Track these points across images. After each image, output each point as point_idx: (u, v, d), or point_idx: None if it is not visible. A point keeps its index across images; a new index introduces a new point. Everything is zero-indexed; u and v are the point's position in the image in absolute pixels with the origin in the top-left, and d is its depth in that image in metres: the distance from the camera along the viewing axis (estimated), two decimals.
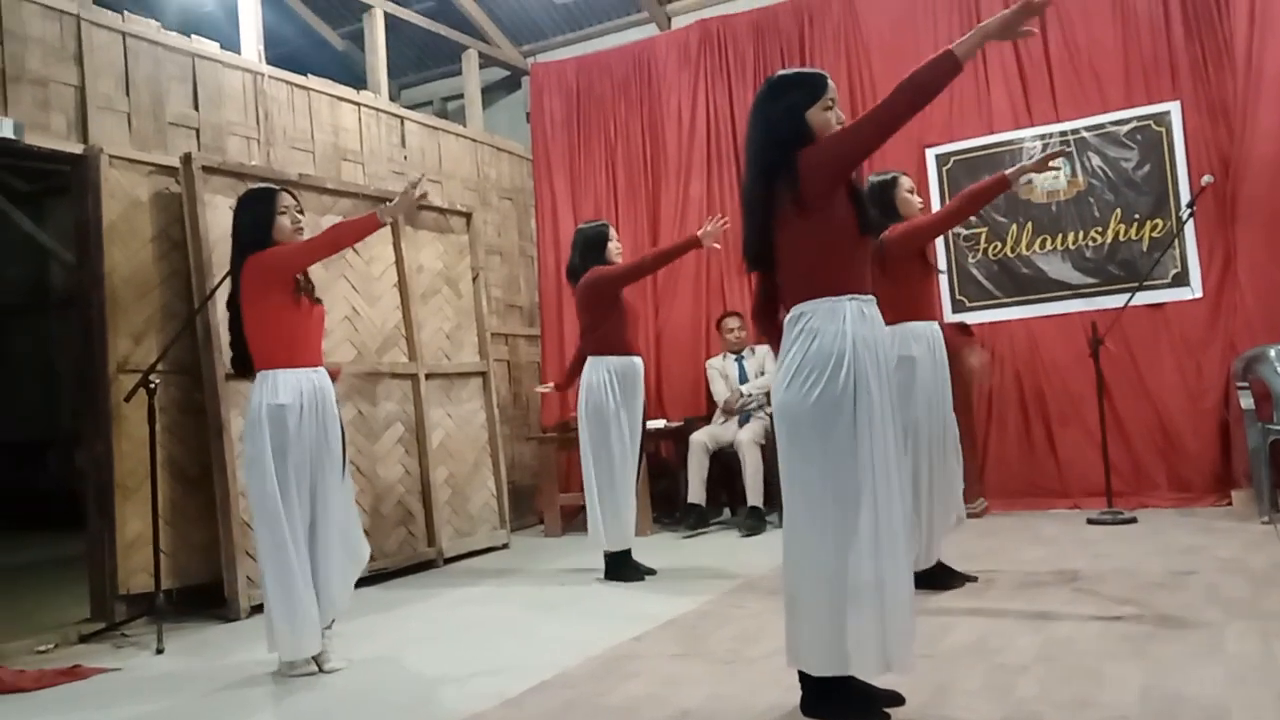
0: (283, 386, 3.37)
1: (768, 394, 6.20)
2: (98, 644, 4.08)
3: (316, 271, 5.15)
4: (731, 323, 6.47)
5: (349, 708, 2.95)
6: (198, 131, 5.21)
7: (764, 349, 6.43)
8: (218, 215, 4.79)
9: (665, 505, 6.63)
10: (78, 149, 4.56)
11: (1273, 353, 5.27)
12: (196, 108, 5.23)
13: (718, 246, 5.01)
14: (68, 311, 7.94)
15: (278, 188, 3.57)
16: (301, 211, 3.56)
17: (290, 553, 3.27)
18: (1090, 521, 5.15)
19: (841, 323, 2.38)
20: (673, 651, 3.25)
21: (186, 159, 4.73)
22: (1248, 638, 2.90)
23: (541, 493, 6.78)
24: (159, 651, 3.80)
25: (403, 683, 3.15)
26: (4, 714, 3.13)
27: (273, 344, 3.43)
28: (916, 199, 4.14)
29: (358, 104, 6.30)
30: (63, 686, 3.42)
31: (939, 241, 6.32)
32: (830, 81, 2.57)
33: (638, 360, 4.85)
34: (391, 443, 5.48)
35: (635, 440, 4.77)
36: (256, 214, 3.49)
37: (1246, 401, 5.16)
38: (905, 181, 4.13)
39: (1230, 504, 5.38)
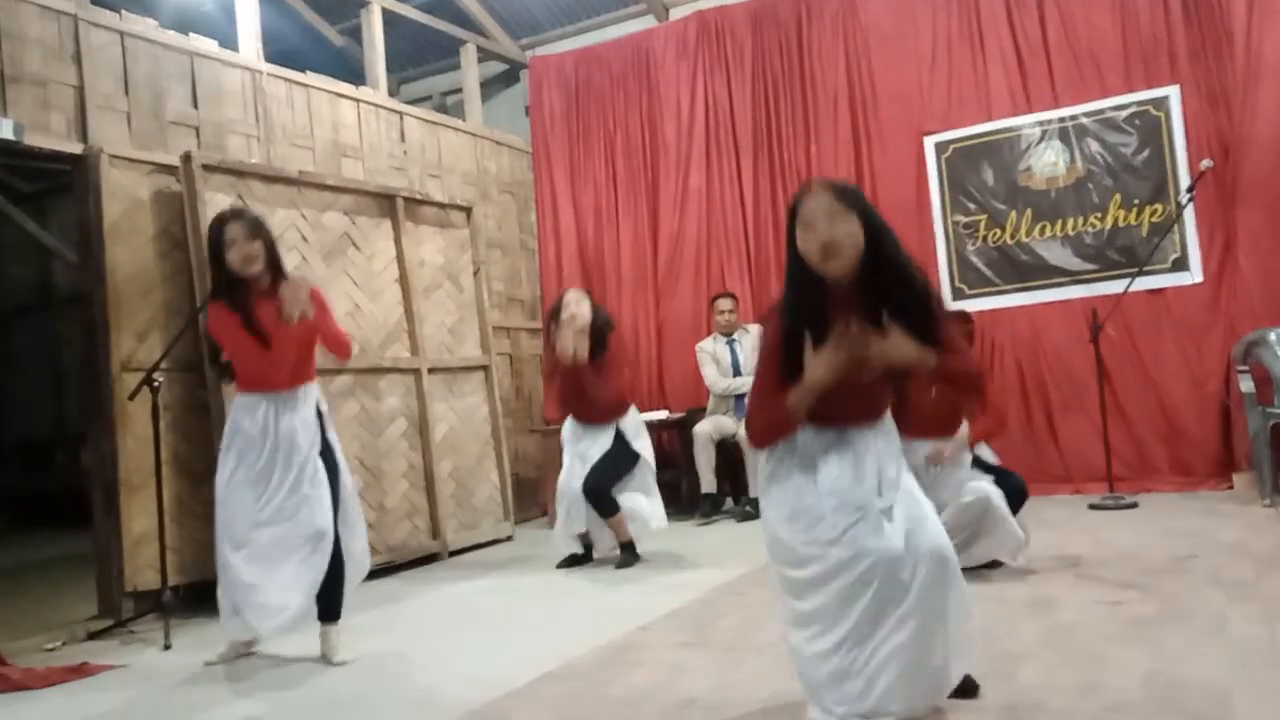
0: (240, 409, 3.54)
1: None
2: (105, 641, 4.10)
3: (316, 268, 5.19)
4: (724, 304, 6.39)
5: (356, 700, 2.97)
6: (197, 130, 5.22)
7: (756, 330, 6.41)
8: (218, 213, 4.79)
9: (669, 495, 6.63)
10: (78, 149, 4.56)
11: (1273, 336, 5.27)
12: (196, 106, 5.23)
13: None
14: (72, 310, 7.96)
15: (229, 217, 3.54)
16: (255, 238, 3.46)
17: (224, 548, 3.46)
18: (1092, 506, 5.16)
19: None
20: (678, 641, 3.26)
21: (186, 157, 4.74)
22: (1250, 621, 2.91)
23: (545, 485, 6.80)
24: (166, 648, 3.81)
25: (409, 675, 3.17)
26: (13, 711, 3.15)
27: (234, 371, 3.60)
28: None
29: (357, 100, 6.30)
30: (71, 683, 3.44)
31: (938, 228, 6.33)
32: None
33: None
34: (395, 437, 5.50)
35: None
36: (211, 247, 3.54)
37: (1247, 385, 5.17)
38: None
39: (1232, 487, 5.39)
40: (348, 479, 3.67)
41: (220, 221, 3.53)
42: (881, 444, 2.28)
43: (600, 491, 4.77)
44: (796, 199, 2.23)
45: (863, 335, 2.12)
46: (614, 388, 4.87)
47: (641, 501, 4.88)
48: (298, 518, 3.43)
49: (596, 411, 4.87)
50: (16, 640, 4.04)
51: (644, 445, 4.97)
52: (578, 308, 4.79)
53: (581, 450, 4.88)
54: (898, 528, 2.17)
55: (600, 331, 4.83)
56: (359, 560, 3.65)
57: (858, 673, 2.14)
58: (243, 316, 3.46)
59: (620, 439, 4.87)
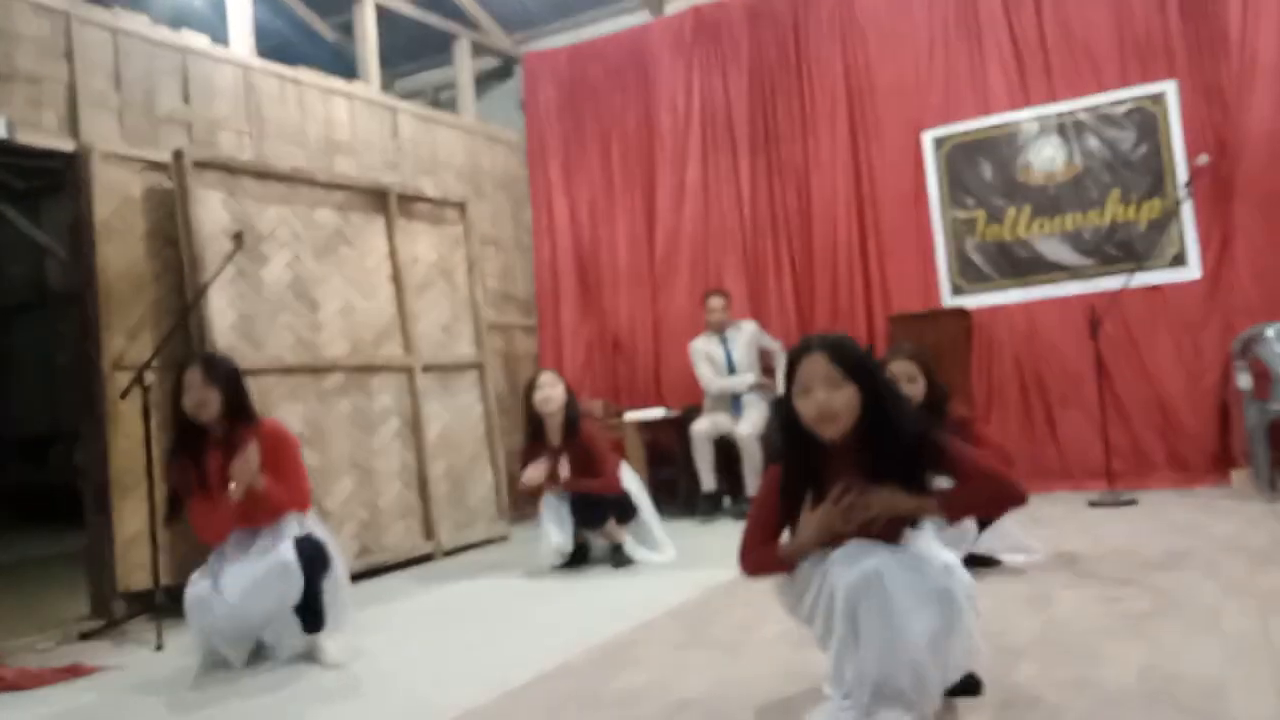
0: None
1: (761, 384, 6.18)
2: (98, 641, 4.08)
3: (309, 265, 5.17)
4: (715, 301, 6.31)
5: (349, 701, 2.95)
6: (189, 127, 5.19)
7: (750, 325, 6.36)
8: (210, 211, 4.78)
9: (667, 494, 6.63)
10: (69, 146, 4.54)
11: (1270, 332, 5.26)
12: (188, 103, 5.21)
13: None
14: (66, 308, 7.93)
15: (190, 361, 3.49)
16: (209, 385, 3.40)
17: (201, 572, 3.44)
18: (1091, 504, 5.15)
19: None
20: (675, 640, 3.24)
21: (178, 155, 4.71)
22: (1245, 616, 2.90)
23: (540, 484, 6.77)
24: (159, 648, 3.79)
25: (403, 676, 3.15)
26: (4, 712, 3.13)
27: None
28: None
29: (349, 95, 6.27)
30: (63, 684, 3.42)
31: (936, 224, 6.32)
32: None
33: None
34: (389, 436, 5.47)
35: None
36: (173, 390, 3.52)
37: (1245, 381, 5.16)
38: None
39: (1229, 483, 5.38)
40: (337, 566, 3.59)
41: (183, 363, 3.50)
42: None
43: (587, 505, 4.74)
44: (794, 356, 2.25)
45: (858, 500, 2.18)
46: (605, 479, 4.77)
47: (645, 553, 4.84)
48: (264, 558, 3.39)
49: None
50: (9, 640, 4.03)
51: (638, 491, 4.94)
52: (552, 390, 4.78)
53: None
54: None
55: (571, 419, 4.79)
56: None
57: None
58: (193, 466, 3.46)
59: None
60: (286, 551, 3.35)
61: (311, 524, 3.58)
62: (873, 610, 2.12)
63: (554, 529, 4.77)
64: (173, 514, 3.59)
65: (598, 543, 4.89)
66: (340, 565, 3.59)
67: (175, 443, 3.55)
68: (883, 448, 2.20)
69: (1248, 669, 2.39)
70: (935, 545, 2.28)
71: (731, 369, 6.25)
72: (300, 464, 3.55)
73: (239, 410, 3.47)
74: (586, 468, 4.75)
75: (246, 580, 3.34)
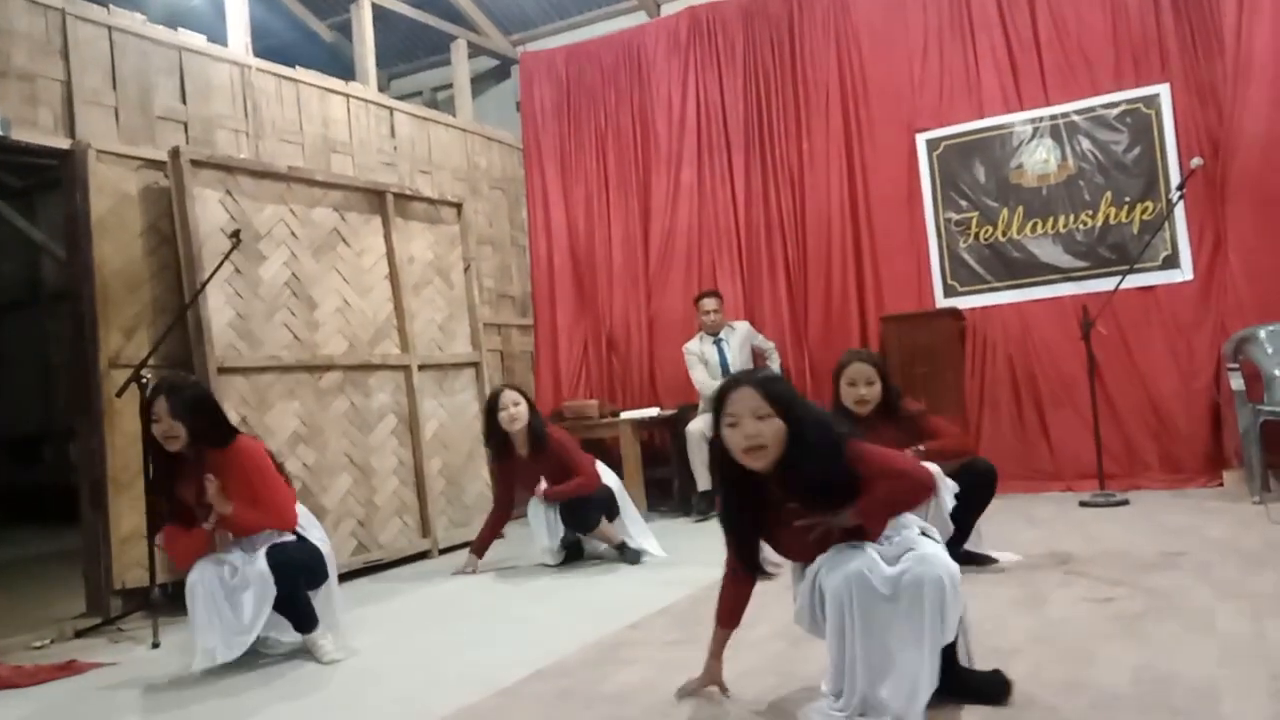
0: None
1: None
2: (93, 639, 4.09)
3: (306, 264, 5.17)
4: (708, 303, 6.32)
5: (344, 698, 2.96)
6: (186, 125, 5.19)
7: (743, 326, 6.38)
8: (207, 209, 4.78)
9: (661, 493, 6.65)
10: (65, 144, 4.54)
11: (1263, 333, 5.29)
12: (184, 101, 5.21)
13: None
14: (60, 306, 7.93)
15: (156, 393, 3.46)
16: (176, 416, 3.38)
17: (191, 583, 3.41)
18: (1083, 504, 5.17)
19: None
20: (668, 638, 3.26)
21: (175, 153, 4.71)
22: (1238, 617, 2.92)
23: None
24: (155, 646, 3.80)
25: (398, 673, 3.16)
26: (1, 710, 3.13)
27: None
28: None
29: (346, 95, 6.28)
30: (59, 682, 3.42)
31: (930, 226, 6.34)
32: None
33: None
34: (385, 434, 5.48)
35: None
36: (143, 417, 3.52)
37: (1237, 382, 5.18)
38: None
39: (1221, 484, 5.41)
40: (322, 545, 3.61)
41: (152, 394, 3.49)
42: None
43: (575, 510, 4.76)
44: (723, 391, 2.35)
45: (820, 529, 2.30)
46: (583, 478, 4.78)
47: (652, 543, 4.86)
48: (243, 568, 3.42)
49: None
50: (5, 638, 4.03)
51: (618, 489, 4.96)
52: (515, 409, 4.78)
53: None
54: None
55: (536, 434, 4.80)
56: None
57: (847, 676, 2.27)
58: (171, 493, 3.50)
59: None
60: (260, 561, 3.38)
61: (306, 525, 3.59)
62: (857, 613, 2.19)
63: (543, 533, 4.78)
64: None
65: (599, 547, 4.90)
66: (331, 565, 3.60)
67: (154, 470, 3.57)
68: (806, 474, 2.28)
69: (1241, 670, 2.41)
70: (919, 538, 2.33)
71: (726, 370, 6.25)
72: (275, 482, 3.52)
73: (207, 437, 3.44)
74: (562, 473, 4.77)
75: (230, 586, 3.38)
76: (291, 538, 3.50)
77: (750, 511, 2.42)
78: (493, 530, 5.01)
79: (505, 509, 5.03)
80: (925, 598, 2.17)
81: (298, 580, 3.44)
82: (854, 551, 2.27)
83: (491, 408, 4.83)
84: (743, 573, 2.56)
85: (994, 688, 2.34)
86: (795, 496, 2.32)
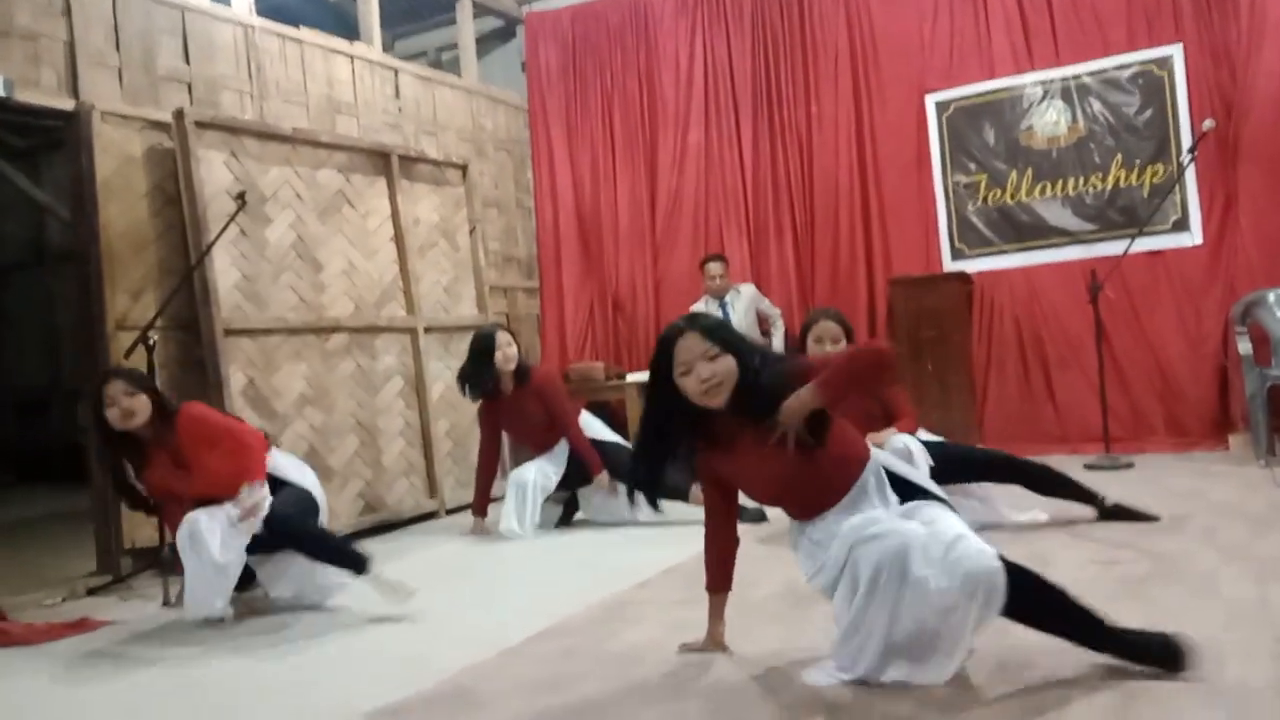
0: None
1: None
2: (104, 597, 4.12)
3: (311, 226, 5.16)
4: (714, 268, 6.27)
5: (350, 657, 2.98)
6: (189, 86, 5.16)
7: (749, 290, 6.34)
8: (212, 170, 4.76)
9: None
10: (69, 105, 4.51)
11: (1272, 297, 5.26)
12: (188, 62, 5.17)
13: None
14: (65, 268, 7.93)
15: (105, 378, 3.48)
16: (134, 392, 3.42)
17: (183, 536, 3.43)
18: (1087, 467, 5.17)
19: None
20: (675, 598, 3.28)
21: (179, 114, 4.69)
22: (1243, 580, 2.93)
23: None
24: (165, 604, 3.83)
25: (404, 632, 3.18)
26: (14, 666, 3.17)
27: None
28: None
29: (351, 56, 6.22)
30: (71, 639, 3.46)
31: (938, 188, 6.30)
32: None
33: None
34: (392, 396, 5.50)
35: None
36: (92, 406, 3.49)
37: (1245, 346, 5.17)
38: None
39: (1227, 448, 5.41)
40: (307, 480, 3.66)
41: (95, 386, 3.49)
42: (848, 519, 2.34)
43: (577, 466, 4.78)
44: (667, 341, 2.39)
45: (783, 432, 2.32)
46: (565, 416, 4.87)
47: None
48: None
49: (548, 429, 4.85)
50: (15, 596, 4.07)
51: (613, 436, 4.99)
52: (509, 349, 4.83)
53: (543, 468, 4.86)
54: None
55: (521, 369, 4.87)
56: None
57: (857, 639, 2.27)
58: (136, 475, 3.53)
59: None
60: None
61: (298, 472, 3.64)
62: (893, 579, 2.18)
63: (513, 516, 4.75)
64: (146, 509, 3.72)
65: (595, 503, 4.90)
66: (322, 508, 3.69)
67: (112, 459, 3.57)
68: (761, 392, 2.34)
69: (1245, 634, 2.42)
70: (958, 522, 2.30)
71: None
72: (232, 428, 3.57)
73: (164, 407, 3.50)
74: (543, 412, 4.81)
75: (221, 537, 3.41)
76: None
77: (672, 443, 2.49)
78: (486, 485, 5.02)
79: (493, 455, 5.05)
80: (978, 591, 2.13)
81: (304, 522, 3.49)
82: (897, 524, 2.26)
83: (488, 348, 4.82)
84: (719, 519, 2.64)
85: (1167, 651, 2.16)
86: (751, 421, 2.36)
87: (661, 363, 2.39)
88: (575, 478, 4.85)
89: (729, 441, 2.44)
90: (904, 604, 2.17)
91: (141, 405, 3.43)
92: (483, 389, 4.90)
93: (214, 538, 3.38)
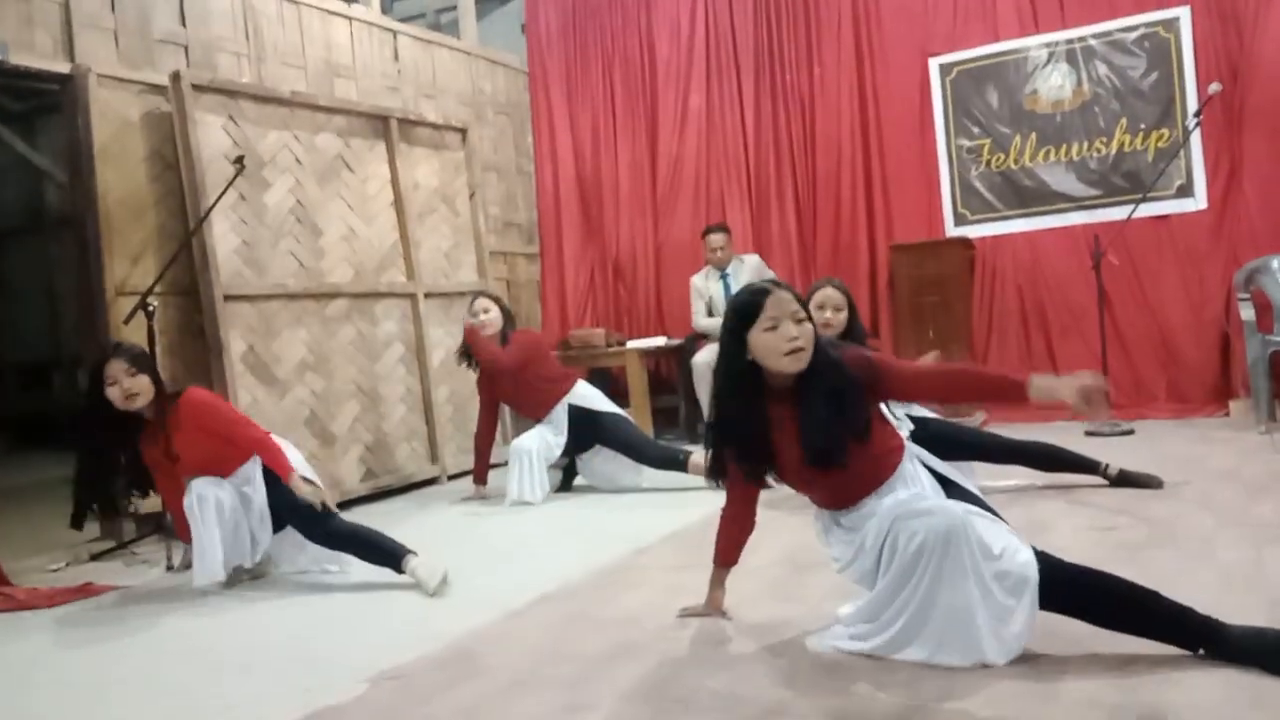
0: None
1: None
2: (108, 562, 4.15)
3: (311, 191, 5.13)
4: (715, 239, 6.17)
5: (353, 621, 3.01)
6: (186, 49, 5.12)
7: (753, 260, 6.27)
8: (210, 134, 4.73)
9: (667, 422, 6.68)
10: (65, 68, 4.47)
11: (1275, 264, 5.24)
12: (184, 24, 5.12)
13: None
14: (64, 233, 7.90)
15: (105, 353, 3.44)
16: (135, 372, 3.38)
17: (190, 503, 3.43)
18: (1088, 433, 5.18)
19: None
20: (674, 563, 3.30)
21: (175, 77, 4.65)
22: (1240, 545, 2.94)
23: None
24: (170, 569, 3.86)
25: (407, 596, 3.20)
26: (19, 630, 3.20)
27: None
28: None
29: (349, 18, 6.17)
30: (75, 603, 3.49)
31: (941, 153, 6.26)
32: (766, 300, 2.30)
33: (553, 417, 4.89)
34: (393, 361, 5.50)
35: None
36: (88, 388, 3.45)
37: (1247, 313, 5.16)
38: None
39: (1228, 414, 5.41)
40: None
41: (98, 363, 3.45)
42: (884, 501, 2.29)
43: (580, 431, 4.79)
44: (760, 292, 2.30)
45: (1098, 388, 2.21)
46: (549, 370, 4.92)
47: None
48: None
49: (540, 394, 4.86)
50: (19, 561, 4.09)
51: (612, 407, 4.98)
52: (487, 316, 4.83)
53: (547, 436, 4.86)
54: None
55: (503, 334, 4.87)
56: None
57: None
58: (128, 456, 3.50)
59: (580, 411, 4.84)
60: (259, 495, 3.48)
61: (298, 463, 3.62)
62: (936, 557, 2.12)
63: (521, 485, 4.73)
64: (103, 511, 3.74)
65: (597, 469, 4.91)
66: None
67: (110, 438, 3.52)
68: (829, 377, 2.26)
69: (1241, 598, 2.43)
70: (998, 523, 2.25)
71: None
72: (237, 418, 3.57)
73: (163, 389, 3.48)
74: (529, 369, 4.83)
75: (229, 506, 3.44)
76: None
77: (761, 421, 2.36)
78: (486, 452, 5.06)
79: (491, 423, 5.08)
80: (1027, 590, 2.12)
81: (355, 529, 3.49)
82: (942, 501, 2.23)
83: (470, 317, 4.90)
84: (741, 500, 2.58)
85: (1274, 653, 2.00)
86: (805, 405, 2.28)
87: (743, 316, 2.29)
88: (575, 444, 4.86)
89: (773, 416, 2.35)
90: (943, 586, 2.11)
91: (143, 386, 3.40)
92: (469, 357, 4.95)
93: (218, 506, 3.39)
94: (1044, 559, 2.16)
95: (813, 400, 2.27)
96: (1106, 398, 2.19)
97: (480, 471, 5.03)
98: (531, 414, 4.95)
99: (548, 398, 4.86)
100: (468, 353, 4.95)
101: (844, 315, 3.73)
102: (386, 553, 3.37)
